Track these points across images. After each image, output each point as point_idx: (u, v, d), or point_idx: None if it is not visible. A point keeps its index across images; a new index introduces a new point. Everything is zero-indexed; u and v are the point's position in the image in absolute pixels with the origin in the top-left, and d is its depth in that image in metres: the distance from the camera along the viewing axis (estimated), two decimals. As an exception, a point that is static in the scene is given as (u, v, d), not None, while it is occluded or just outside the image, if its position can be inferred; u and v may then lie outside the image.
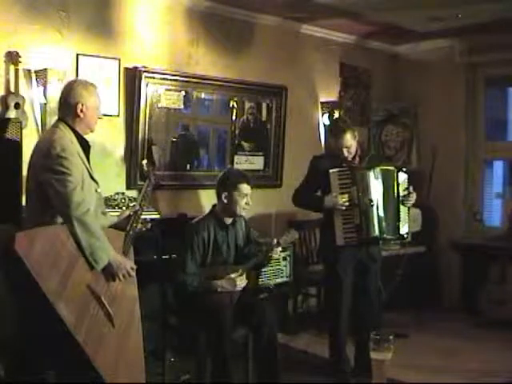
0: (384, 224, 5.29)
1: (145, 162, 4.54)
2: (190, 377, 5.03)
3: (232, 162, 6.94)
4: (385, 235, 5.36)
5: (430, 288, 7.80)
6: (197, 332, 4.61)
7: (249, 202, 4.87)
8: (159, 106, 6.26)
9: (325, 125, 7.80)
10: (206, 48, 6.71)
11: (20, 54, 5.27)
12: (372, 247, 5.41)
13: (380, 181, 5.31)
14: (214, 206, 4.97)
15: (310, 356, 6.13)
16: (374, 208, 5.25)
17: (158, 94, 6.23)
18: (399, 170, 5.44)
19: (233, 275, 4.73)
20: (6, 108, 5.23)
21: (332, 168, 5.25)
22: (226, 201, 4.82)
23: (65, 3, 5.63)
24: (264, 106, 7.22)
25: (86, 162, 4.01)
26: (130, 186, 6.08)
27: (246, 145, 7.08)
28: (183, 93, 6.45)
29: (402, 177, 5.41)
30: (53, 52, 5.54)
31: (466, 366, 5.76)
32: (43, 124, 5.45)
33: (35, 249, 3.63)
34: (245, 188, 4.83)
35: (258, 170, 7.23)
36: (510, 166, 8.46)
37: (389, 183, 5.36)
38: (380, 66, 8.59)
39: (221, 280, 4.68)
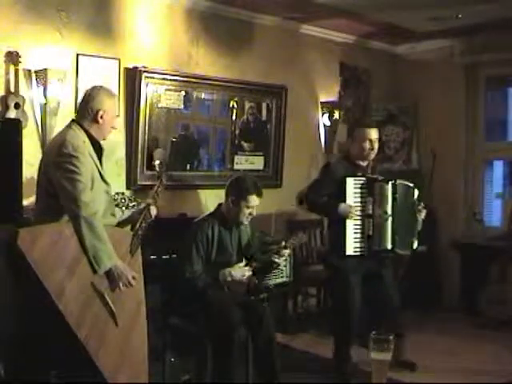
0: (397, 238, 5.27)
1: (157, 162, 4.55)
2: (190, 377, 5.02)
3: (232, 162, 6.94)
4: (397, 249, 5.33)
5: (430, 288, 7.80)
6: (200, 331, 4.60)
7: (253, 213, 4.86)
8: (159, 106, 6.26)
9: (325, 125, 7.81)
10: (206, 48, 6.71)
11: (20, 54, 5.27)
12: (383, 256, 5.40)
13: (397, 195, 5.28)
14: (219, 204, 4.97)
15: (309, 356, 6.12)
16: (389, 221, 5.23)
17: (158, 94, 6.23)
18: (415, 186, 5.45)
19: (240, 264, 4.77)
20: (6, 108, 5.24)
21: (348, 175, 5.22)
22: (231, 204, 4.83)
23: (65, 3, 5.64)
24: (264, 106, 7.23)
25: (98, 164, 4.05)
26: (129, 185, 6.08)
27: (246, 145, 7.09)
28: (183, 93, 6.45)
29: (416, 193, 5.44)
30: (53, 52, 5.54)
31: (465, 365, 5.76)
32: (43, 124, 5.46)
33: (38, 246, 3.63)
34: (253, 199, 4.82)
35: (258, 170, 7.23)
36: (510, 166, 8.47)
37: (406, 199, 5.36)
38: (380, 65, 8.59)
39: (229, 268, 4.71)
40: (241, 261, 4.90)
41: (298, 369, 5.59)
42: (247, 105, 7.07)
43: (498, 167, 8.55)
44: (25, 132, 5.13)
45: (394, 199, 5.25)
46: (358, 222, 5.21)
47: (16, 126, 4.91)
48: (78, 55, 5.70)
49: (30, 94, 5.45)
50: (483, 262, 7.29)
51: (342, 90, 8.16)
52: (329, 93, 7.95)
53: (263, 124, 7.25)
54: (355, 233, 5.21)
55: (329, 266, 5.63)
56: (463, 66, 8.11)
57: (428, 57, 8.34)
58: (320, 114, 7.83)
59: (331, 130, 7.85)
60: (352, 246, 5.20)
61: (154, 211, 4.22)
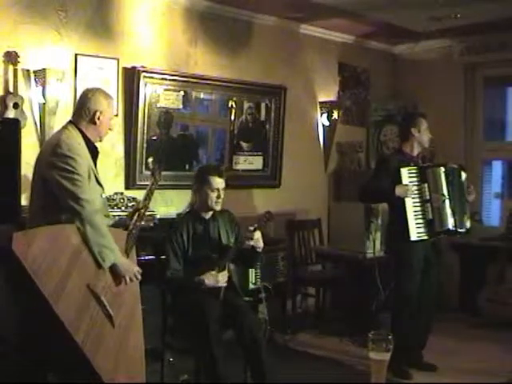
0: (457, 218, 5.55)
1: (151, 159, 4.56)
2: (189, 377, 5.02)
3: (231, 162, 6.94)
4: (457, 229, 5.59)
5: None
6: (187, 331, 4.60)
7: (220, 195, 4.82)
8: (158, 105, 6.26)
9: (324, 125, 7.81)
10: (205, 48, 6.71)
11: (19, 53, 5.27)
12: (438, 241, 5.72)
13: (450, 177, 5.57)
14: (192, 202, 4.97)
15: (308, 356, 6.12)
16: (447, 203, 5.50)
17: (156, 94, 6.23)
18: (462, 168, 5.75)
19: (214, 271, 4.69)
20: (5, 108, 5.23)
21: (401, 166, 5.49)
22: (197, 194, 4.83)
23: (64, 3, 5.64)
24: (263, 105, 7.22)
25: (93, 166, 4.05)
26: (128, 186, 6.08)
27: (244, 145, 7.08)
28: (182, 93, 6.45)
29: (464, 175, 5.71)
30: (51, 52, 5.54)
31: (464, 365, 5.75)
32: (42, 124, 5.46)
33: (33, 249, 3.62)
34: (215, 181, 4.80)
35: (257, 170, 7.24)
36: (508, 166, 8.46)
37: (455, 180, 5.63)
38: (379, 65, 8.60)
39: (203, 276, 4.64)
40: (222, 254, 4.85)
41: (297, 369, 5.59)
42: (246, 105, 7.06)
43: (497, 167, 8.55)
44: (23, 132, 5.13)
45: (447, 182, 5.56)
46: (418, 208, 5.50)
47: (15, 126, 4.92)
48: (76, 55, 5.70)
49: (29, 93, 5.45)
50: (482, 261, 7.27)
51: (341, 89, 8.16)
52: (328, 93, 7.95)
53: (262, 124, 7.25)
54: (417, 218, 5.48)
55: (393, 253, 5.76)
56: (462, 65, 8.12)
57: (427, 57, 8.35)
58: (319, 114, 7.84)
59: (330, 130, 7.85)
60: (415, 232, 5.47)
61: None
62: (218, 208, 4.88)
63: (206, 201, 4.81)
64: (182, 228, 4.79)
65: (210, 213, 4.91)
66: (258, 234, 4.76)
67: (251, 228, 4.76)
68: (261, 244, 4.82)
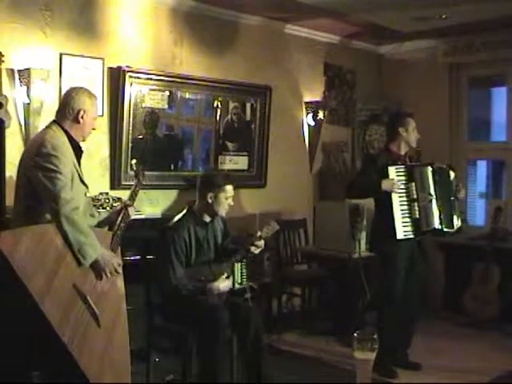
0: (443, 217, 5.55)
1: (134, 161, 4.55)
2: (175, 377, 5.01)
3: (216, 162, 6.93)
4: (443, 228, 5.59)
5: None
6: (188, 333, 4.60)
7: (231, 203, 4.90)
8: (143, 105, 6.25)
9: (309, 125, 7.82)
10: (191, 48, 6.70)
11: (3, 53, 5.23)
12: (422, 239, 5.79)
13: (437, 177, 5.58)
14: (190, 204, 4.97)
15: (294, 355, 6.13)
16: (433, 202, 5.51)
17: (142, 94, 6.21)
18: (450, 168, 5.78)
19: (224, 276, 4.75)
20: (-11, 108, 5.20)
21: (389, 165, 5.51)
22: (210, 201, 4.81)
23: (48, 2, 5.61)
24: (248, 105, 7.22)
25: (77, 165, 4.04)
26: (114, 186, 6.06)
27: (230, 145, 7.08)
28: (167, 93, 6.44)
29: (452, 174, 5.73)
30: (36, 51, 5.51)
31: (450, 364, 5.78)
32: (26, 124, 5.44)
33: (21, 248, 3.61)
34: (230, 189, 4.87)
35: (242, 170, 7.23)
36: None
37: (444, 180, 5.65)
38: (364, 66, 8.61)
39: (217, 282, 4.69)
40: (219, 256, 4.93)
41: (283, 369, 5.58)
42: (231, 105, 7.06)
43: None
44: (8, 132, 5.12)
45: (434, 181, 5.57)
46: (405, 207, 5.52)
47: (-1, 126, 4.90)
48: (61, 55, 5.68)
49: (13, 93, 5.42)
50: (467, 261, 7.32)
51: (327, 89, 8.17)
52: (313, 93, 7.96)
53: (247, 124, 7.25)
54: (403, 217, 5.50)
55: (378, 252, 5.80)
56: (447, 66, 8.15)
57: (412, 57, 8.38)
58: (304, 114, 7.85)
59: (315, 130, 7.86)
60: (402, 231, 5.48)
61: (132, 211, 4.22)
62: (224, 214, 4.94)
63: (218, 207, 4.85)
64: (184, 233, 4.78)
65: (211, 216, 4.94)
66: (262, 243, 4.89)
67: (257, 236, 4.87)
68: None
